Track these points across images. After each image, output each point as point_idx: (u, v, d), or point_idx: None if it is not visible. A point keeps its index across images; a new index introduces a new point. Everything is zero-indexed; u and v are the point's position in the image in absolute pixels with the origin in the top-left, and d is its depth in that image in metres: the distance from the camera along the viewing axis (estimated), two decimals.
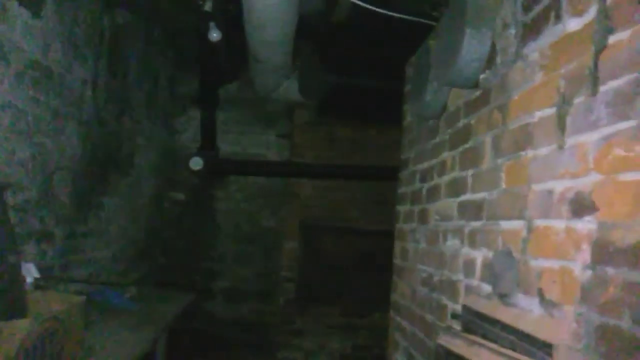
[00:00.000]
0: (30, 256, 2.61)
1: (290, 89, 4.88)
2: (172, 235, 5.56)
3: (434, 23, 2.58)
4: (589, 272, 1.17)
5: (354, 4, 2.98)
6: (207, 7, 3.90)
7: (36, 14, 2.56)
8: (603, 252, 1.13)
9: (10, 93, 2.38)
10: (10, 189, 2.41)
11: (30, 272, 2.25)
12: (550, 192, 1.36)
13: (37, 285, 2.28)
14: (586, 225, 1.20)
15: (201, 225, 5.63)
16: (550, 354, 1.27)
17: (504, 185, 1.66)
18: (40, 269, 2.42)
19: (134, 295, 3.34)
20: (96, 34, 3.38)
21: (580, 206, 1.22)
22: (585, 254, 1.19)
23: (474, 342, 1.64)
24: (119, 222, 4.12)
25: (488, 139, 1.81)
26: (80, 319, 2.08)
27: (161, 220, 5.44)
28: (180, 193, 5.61)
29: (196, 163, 4.80)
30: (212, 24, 3.86)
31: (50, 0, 2.68)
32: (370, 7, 2.72)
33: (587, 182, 1.21)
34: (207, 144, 5.01)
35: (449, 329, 1.95)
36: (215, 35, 3.89)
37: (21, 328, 1.64)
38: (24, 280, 2.04)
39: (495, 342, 1.54)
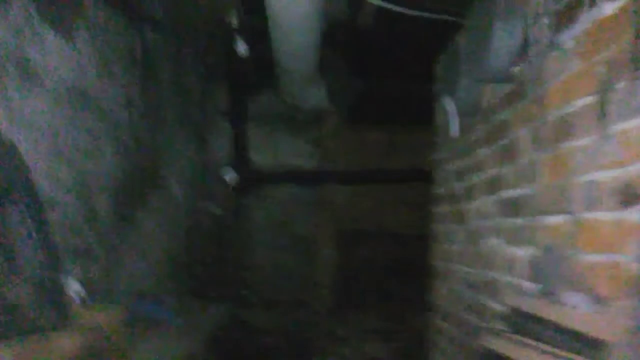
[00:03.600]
0: (74, 273, 2.67)
1: (318, 97, 4.90)
2: (209, 247, 5.62)
3: (460, 20, 2.54)
4: None
5: (379, 8, 2.97)
6: (234, 21, 3.96)
7: (69, 39, 2.64)
8: None
9: (48, 117, 2.46)
10: (52, 208, 2.48)
11: (74, 288, 2.30)
12: (595, 184, 1.31)
13: (81, 300, 2.33)
14: (636, 215, 1.14)
15: (237, 236, 5.68)
16: (603, 352, 1.22)
17: (544, 180, 1.60)
18: (83, 285, 2.47)
19: (174, 307, 3.38)
20: (128, 54, 3.47)
21: (629, 196, 1.17)
22: (636, 246, 1.13)
23: (520, 343, 1.58)
24: (157, 236, 4.19)
25: (525, 133, 1.76)
26: (123, 331, 2.11)
27: (198, 233, 5.51)
28: (215, 205, 5.67)
29: (229, 175, 4.86)
30: (239, 38, 3.91)
31: (82, 24, 2.76)
32: (395, 7, 2.70)
33: (635, 170, 1.15)
34: (240, 155, 5.06)
35: (493, 330, 1.90)
36: (242, 48, 3.94)
37: (67, 341, 1.68)
38: (69, 296, 2.09)
39: (542, 341, 1.48)
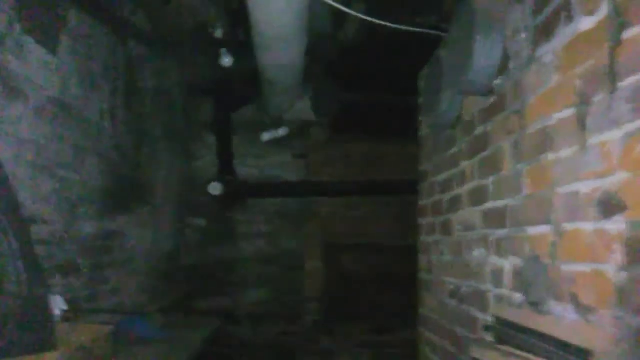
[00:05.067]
0: (58, 288, 2.63)
1: (303, 109, 4.92)
2: (195, 261, 5.57)
3: (443, 34, 2.58)
4: (623, 274, 1.14)
5: (363, 21, 3.00)
6: (218, 34, 3.97)
7: (52, 51, 2.62)
8: (636, 252, 1.10)
9: (31, 130, 2.44)
10: (35, 223, 2.44)
11: (58, 305, 2.27)
12: (576, 194, 1.33)
13: (65, 317, 2.29)
14: (616, 225, 1.17)
15: (223, 249, 5.64)
16: None
17: (527, 191, 1.63)
18: (67, 301, 2.43)
19: (161, 324, 3.34)
20: (111, 66, 3.46)
21: (609, 206, 1.19)
22: (618, 255, 1.16)
23: (508, 354, 1.59)
24: (142, 250, 4.15)
25: (507, 145, 1.78)
26: (108, 349, 2.08)
27: (184, 246, 5.46)
28: (201, 219, 5.64)
29: (215, 188, 4.83)
30: (223, 50, 3.93)
31: (65, 36, 2.75)
32: (378, 21, 2.74)
33: (614, 181, 1.18)
34: (225, 168, 5.04)
35: (481, 342, 1.91)
36: (227, 60, 3.96)
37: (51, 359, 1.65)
38: (52, 313, 2.05)
39: (530, 352, 1.50)
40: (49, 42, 2.60)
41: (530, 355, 1.48)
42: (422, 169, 2.99)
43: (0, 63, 2.19)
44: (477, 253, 2.06)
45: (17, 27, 2.31)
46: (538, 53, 1.57)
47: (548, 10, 1.51)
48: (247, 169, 5.57)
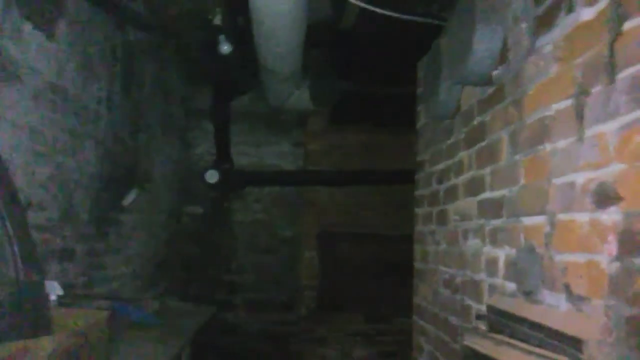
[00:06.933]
0: (53, 274, 2.64)
1: (302, 98, 4.90)
2: (191, 249, 5.58)
3: (443, 23, 2.56)
4: (616, 264, 1.15)
5: (362, 10, 2.99)
6: (217, 20, 3.94)
7: (50, 36, 2.60)
8: (630, 243, 1.11)
9: (27, 114, 2.42)
10: (31, 208, 2.44)
11: (53, 290, 2.27)
12: (571, 185, 1.34)
13: (61, 302, 2.30)
14: (611, 216, 1.17)
15: (220, 237, 5.65)
16: (580, 350, 1.24)
17: (523, 181, 1.63)
18: (63, 287, 2.44)
19: (156, 310, 3.35)
20: (109, 52, 3.43)
21: (604, 197, 1.20)
22: (612, 246, 1.16)
23: (501, 342, 1.61)
24: (138, 237, 4.15)
25: (504, 136, 1.78)
26: (104, 334, 2.09)
27: (180, 234, 5.47)
28: (197, 206, 5.64)
29: (212, 176, 4.83)
30: (222, 37, 3.90)
31: (63, 21, 2.73)
32: (378, 9, 2.72)
33: (610, 172, 1.18)
34: (222, 156, 5.03)
35: (474, 330, 1.92)
36: (225, 48, 3.93)
37: (47, 345, 1.66)
38: (48, 298, 2.06)
39: (522, 340, 1.51)
40: (47, 27, 2.57)
41: (522, 344, 1.49)
42: (420, 159, 2.99)
43: None
44: (473, 243, 2.07)
45: (15, 11, 2.28)
46: (538, 43, 1.57)
47: (549, 0, 1.51)
48: (244, 157, 5.57)
